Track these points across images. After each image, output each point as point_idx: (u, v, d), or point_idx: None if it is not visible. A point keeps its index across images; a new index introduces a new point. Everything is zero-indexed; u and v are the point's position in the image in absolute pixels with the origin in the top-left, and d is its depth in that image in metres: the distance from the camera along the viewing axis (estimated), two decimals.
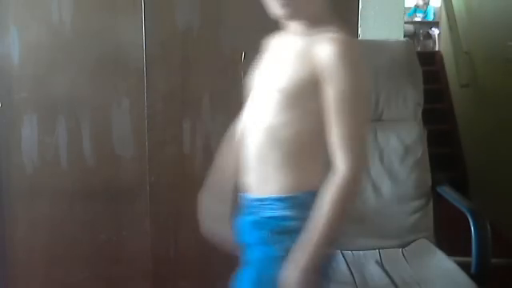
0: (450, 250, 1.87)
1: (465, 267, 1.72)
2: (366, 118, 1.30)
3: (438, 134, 4.04)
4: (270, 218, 1.27)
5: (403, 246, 1.97)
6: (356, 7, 2.28)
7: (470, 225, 1.71)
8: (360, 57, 1.21)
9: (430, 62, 5.27)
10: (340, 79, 1.18)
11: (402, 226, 2.01)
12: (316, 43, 1.21)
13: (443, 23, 5.55)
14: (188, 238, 2.25)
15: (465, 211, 1.78)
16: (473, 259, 1.70)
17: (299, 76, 1.23)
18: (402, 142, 2.06)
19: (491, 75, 4.07)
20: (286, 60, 1.27)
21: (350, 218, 2.01)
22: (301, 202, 1.25)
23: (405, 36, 2.39)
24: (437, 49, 6.22)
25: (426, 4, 7.11)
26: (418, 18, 7.07)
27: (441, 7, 5.93)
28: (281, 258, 1.22)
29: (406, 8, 4.79)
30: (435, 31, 6.50)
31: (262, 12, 1.26)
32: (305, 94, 1.23)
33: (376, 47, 2.15)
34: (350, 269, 1.83)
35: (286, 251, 1.22)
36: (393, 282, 1.73)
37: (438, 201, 2.06)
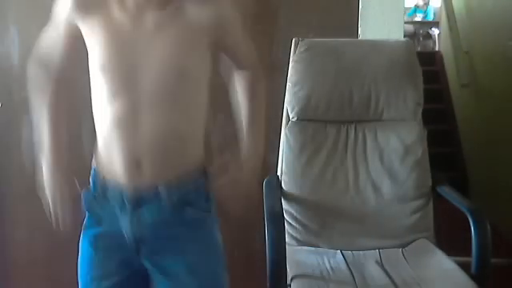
0: (450, 250, 1.87)
1: (465, 267, 1.71)
2: None
3: (438, 134, 4.05)
4: (192, 190, 1.29)
5: (403, 246, 1.97)
6: (356, 7, 2.28)
7: (470, 225, 1.71)
8: None
9: (430, 62, 5.27)
10: (235, 22, 1.32)
11: (402, 226, 2.01)
12: (193, 9, 1.23)
13: (443, 23, 5.55)
14: None
15: (465, 211, 1.78)
16: (473, 259, 1.70)
17: (202, 49, 1.26)
18: (402, 142, 2.06)
19: (491, 75, 4.07)
20: (169, 39, 1.23)
21: (350, 218, 2.03)
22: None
23: (405, 36, 2.40)
24: (437, 49, 6.22)
25: (426, 4, 7.12)
26: (418, 18, 7.07)
27: (441, 7, 5.93)
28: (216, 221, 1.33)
29: (406, 8, 4.79)
30: (435, 31, 6.51)
31: None
32: (204, 67, 1.28)
33: (376, 47, 2.15)
34: (349, 269, 1.83)
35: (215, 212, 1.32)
36: (393, 282, 1.73)
37: (438, 201, 2.06)
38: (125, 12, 1.22)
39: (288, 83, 2.10)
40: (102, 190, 1.30)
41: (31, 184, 2.34)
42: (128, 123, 1.22)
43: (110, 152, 1.27)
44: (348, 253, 1.93)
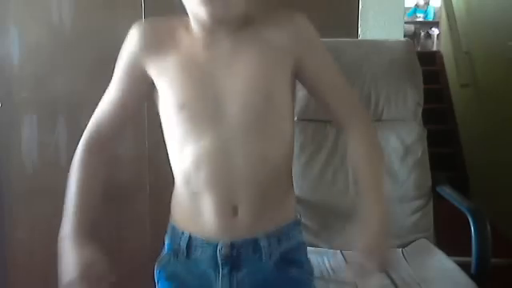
0: (450, 250, 1.87)
1: (465, 267, 1.71)
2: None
3: (438, 134, 4.05)
4: (295, 247, 1.12)
5: (403, 246, 1.97)
6: (356, 7, 2.28)
7: (470, 225, 1.71)
8: None
9: (430, 62, 5.27)
10: (320, 46, 1.18)
11: (402, 226, 2.01)
12: (272, 30, 1.10)
13: (443, 23, 5.55)
14: None
15: (465, 211, 1.78)
16: (473, 259, 1.70)
17: (285, 72, 1.12)
18: (402, 141, 2.06)
19: (491, 75, 4.06)
20: (252, 63, 1.08)
21: (350, 218, 2.02)
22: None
23: (405, 36, 2.40)
24: (437, 49, 6.22)
25: (427, 3, 7.12)
26: (419, 18, 7.07)
27: (441, 7, 5.93)
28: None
29: (406, 8, 4.79)
30: (435, 31, 6.51)
31: None
32: (288, 92, 1.14)
33: (376, 47, 2.15)
34: None
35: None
36: (393, 282, 1.73)
37: (438, 201, 2.05)
38: (197, 40, 1.09)
39: None
40: (186, 251, 1.11)
41: (31, 184, 2.36)
42: (219, 160, 1.06)
43: (196, 200, 1.09)
44: (348, 253, 1.93)
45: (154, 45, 1.11)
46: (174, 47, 1.10)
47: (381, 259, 1.04)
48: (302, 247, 1.15)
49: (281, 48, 1.10)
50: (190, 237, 1.10)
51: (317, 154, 2.05)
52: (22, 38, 2.27)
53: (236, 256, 1.07)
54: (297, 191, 2.02)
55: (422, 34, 6.78)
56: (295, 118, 2.08)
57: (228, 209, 1.06)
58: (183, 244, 1.11)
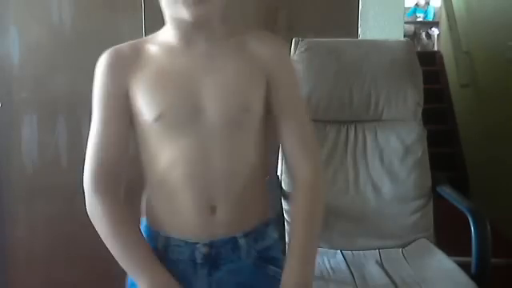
0: (450, 250, 1.87)
1: (465, 267, 1.71)
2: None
3: (438, 134, 4.05)
4: (271, 245, 1.14)
5: (403, 246, 1.97)
6: (356, 7, 2.28)
7: (470, 225, 1.71)
8: None
9: (430, 62, 5.27)
10: (292, 77, 1.16)
11: (402, 226, 2.01)
12: (254, 44, 1.10)
13: (443, 23, 5.55)
14: None
15: (465, 211, 1.78)
16: (473, 259, 1.70)
17: (261, 86, 1.10)
18: (402, 141, 2.06)
19: (491, 75, 4.06)
20: (232, 70, 1.08)
21: (350, 218, 2.02)
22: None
23: (405, 36, 2.40)
24: (437, 49, 6.22)
25: (427, 3, 7.12)
26: (419, 18, 7.08)
27: (441, 7, 5.93)
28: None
29: (406, 8, 4.80)
30: (435, 31, 6.51)
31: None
32: (261, 103, 1.10)
33: (376, 47, 2.15)
34: (349, 269, 1.83)
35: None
36: (393, 282, 1.73)
37: (438, 201, 2.05)
38: (173, 50, 1.09)
39: None
40: (162, 251, 1.09)
41: (31, 184, 2.36)
42: (196, 160, 1.05)
43: (173, 200, 1.08)
44: (348, 253, 1.93)
45: (125, 66, 1.11)
46: (146, 63, 1.09)
47: None
48: (277, 245, 1.16)
49: (256, 63, 1.10)
50: (166, 237, 1.09)
51: None
52: (22, 38, 2.28)
53: (215, 255, 1.08)
54: None
55: (422, 34, 6.79)
56: None
57: (206, 208, 1.06)
58: (160, 245, 1.10)
